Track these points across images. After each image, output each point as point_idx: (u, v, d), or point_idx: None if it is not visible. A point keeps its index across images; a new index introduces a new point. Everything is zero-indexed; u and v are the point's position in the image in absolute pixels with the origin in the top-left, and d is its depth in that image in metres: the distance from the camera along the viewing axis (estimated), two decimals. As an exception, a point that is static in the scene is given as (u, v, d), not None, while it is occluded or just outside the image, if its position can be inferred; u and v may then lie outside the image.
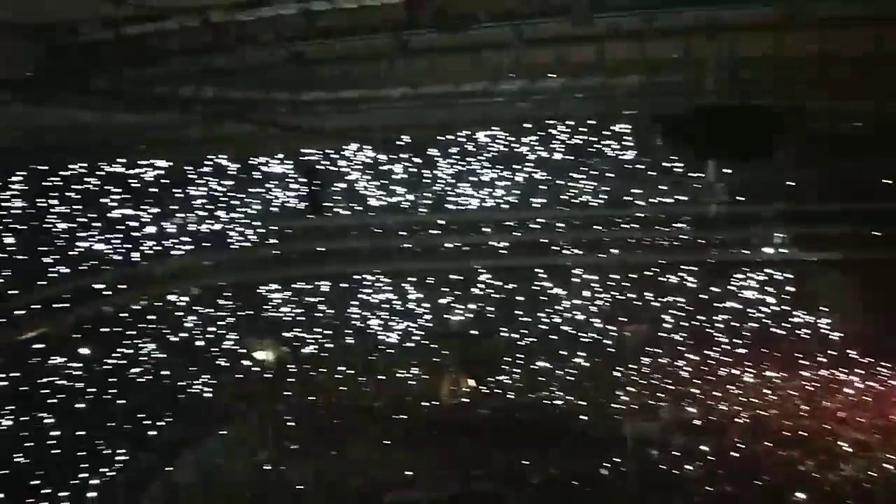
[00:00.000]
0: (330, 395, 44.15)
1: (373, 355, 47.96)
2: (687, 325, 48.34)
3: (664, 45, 20.96)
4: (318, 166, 57.16)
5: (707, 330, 48.35)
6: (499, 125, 51.78)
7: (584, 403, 42.25)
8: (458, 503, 32.92)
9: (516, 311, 49.19)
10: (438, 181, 55.29)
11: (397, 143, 54.79)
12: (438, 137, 54.33)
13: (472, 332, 48.88)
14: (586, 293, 49.55)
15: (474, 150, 54.72)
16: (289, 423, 40.95)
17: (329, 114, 31.78)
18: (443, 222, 53.14)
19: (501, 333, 48.33)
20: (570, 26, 17.63)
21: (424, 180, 55.29)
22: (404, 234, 53.71)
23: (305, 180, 56.97)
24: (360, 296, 52.19)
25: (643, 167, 49.76)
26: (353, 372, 45.89)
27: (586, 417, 40.97)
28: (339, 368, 46.19)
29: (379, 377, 45.63)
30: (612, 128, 49.41)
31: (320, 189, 56.72)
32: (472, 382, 45.06)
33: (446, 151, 55.41)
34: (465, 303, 50.72)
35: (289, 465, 37.28)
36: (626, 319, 47.41)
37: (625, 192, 50.05)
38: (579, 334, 48.04)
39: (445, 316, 50.49)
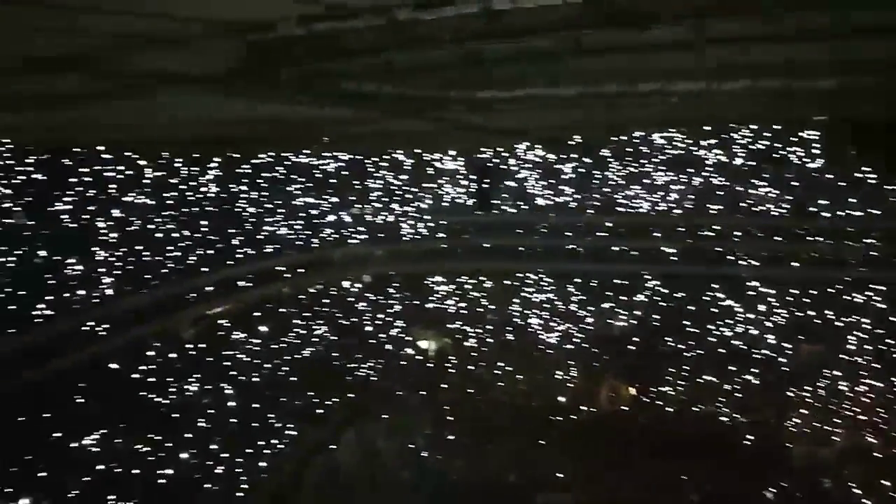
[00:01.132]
0: (487, 391, 44.55)
1: (532, 354, 47.80)
2: (871, 348, 44.71)
3: (860, 46, 19.47)
4: (488, 164, 58.13)
5: (894, 355, 44.49)
6: (676, 126, 50.33)
7: (752, 423, 40.13)
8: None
9: (684, 322, 47.37)
10: (609, 183, 54.43)
11: (568, 142, 54.47)
12: (611, 138, 53.49)
13: (634, 339, 47.61)
14: (762, 307, 46.90)
15: (648, 151, 53.42)
16: (447, 415, 41.70)
17: (502, 113, 32.00)
18: (610, 224, 52.20)
19: (667, 343, 46.70)
20: (760, 24, 16.78)
21: (594, 181, 54.68)
22: (570, 234, 53.30)
23: (476, 177, 58.32)
24: (522, 294, 52.26)
25: (832, 177, 46.53)
26: (511, 369, 46.02)
27: (753, 437, 38.90)
28: (497, 364, 46.47)
29: (537, 377, 45.45)
30: (799, 133, 46.60)
31: (490, 186, 57.78)
32: (631, 391, 43.97)
33: (619, 152, 54.46)
34: (629, 309, 49.49)
35: (444, 454, 37.99)
36: (803, 338, 44.40)
37: (810, 203, 47.02)
38: (751, 350, 45.51)
39: (608, 321, 49.52)
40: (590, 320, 50.06)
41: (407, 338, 49.38)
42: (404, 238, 55.19)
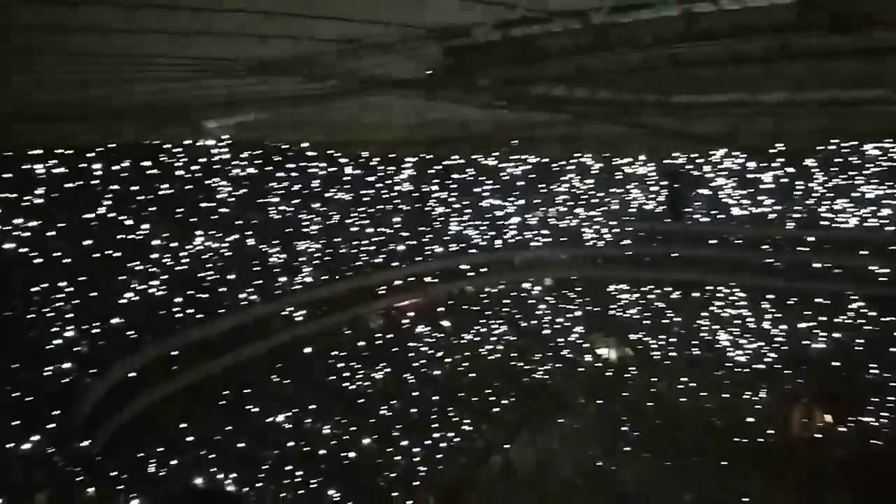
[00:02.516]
0: (668, 405, 43.11)
1: (718, 371, 45.71)
2: None
3: None
4: (681, 170, 56.33)
5: None
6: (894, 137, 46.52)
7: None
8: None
9: (892, 348, 43.40)
10: (812, 194, 51.09)
11: (770, 150, 51.64)
12: (818, 147, 50.17)
13: (833, 363, 44.21)
14: None
15: (858, 163, 49.59)
16: (623, 425, 40.82)
17: (699, 117, 30.99)
18: (813, 239, 48.97)
19: (871, 370, 43.00)
20: None
21: (796, 192, 51.50)
22: (767, 248, 50.51)
23: (667, 184, 56.70)
24: (711, 308, 50.19)
25: None
26: (695, 385, 44.23)
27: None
28: (681, 379, 44.86)
29: (723, 395, 43.35)
30: None
31: (681, 193, 55.96)
32: (828, 418, 40.83)
33: (825, 163, 51.01)
34: (829, 330, 46.07)
35: (620, 465, 37.23)
36: None
37: None
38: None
39: (805, 342, 46.37)
40: (784, 340, 47.18)
41: (586, 344, 48.89)
42: (588, 243, 54.82)
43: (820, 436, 40.08)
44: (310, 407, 35.85)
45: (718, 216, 53.84)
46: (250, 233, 41.71)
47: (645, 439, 39.33)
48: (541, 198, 56.26)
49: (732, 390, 43.67)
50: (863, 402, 40.90)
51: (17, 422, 21.82)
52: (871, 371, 42.84)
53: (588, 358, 47.98)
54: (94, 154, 36.13)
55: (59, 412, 23.94)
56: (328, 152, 48.40)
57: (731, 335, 48.42)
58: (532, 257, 53.88)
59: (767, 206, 52.03)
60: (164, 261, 36.62)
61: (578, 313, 51.16)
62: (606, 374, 46.67)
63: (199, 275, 37.28)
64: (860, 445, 38.70)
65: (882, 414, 40.23)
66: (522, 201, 55.61)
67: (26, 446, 19.98)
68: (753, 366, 46.10)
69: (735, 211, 53.27)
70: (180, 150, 40.59)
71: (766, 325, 48.19)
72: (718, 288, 50.71)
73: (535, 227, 54.85)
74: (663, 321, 50.19)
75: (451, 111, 40.07)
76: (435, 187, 54.05)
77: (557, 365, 46.40)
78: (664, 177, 56.40)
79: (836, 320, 46.41)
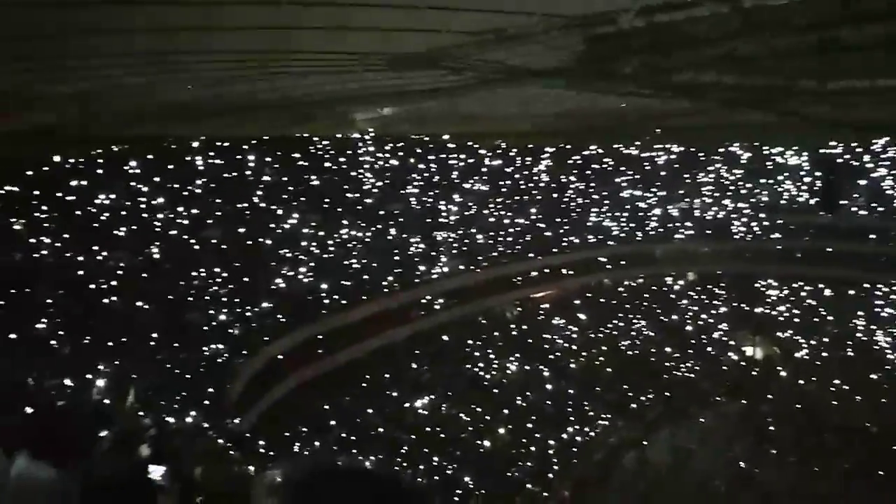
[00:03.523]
0: (818, 408, 40.80)
1: (875, 375, 42.80)
2: None
3: None
4: (837, 161, 52.90)
5: None
6: None
7: None
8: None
9: None
10: None
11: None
12: None
13: None
14: None
15: None
16: (769, 427, 39.07)
17: (857, 105, 28.99)
18: None
19: None
20: None
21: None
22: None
23: (821, 174, 53.44)
24: (868, 307, 47.04)
25: None
26: (847, 388, 41.61)
27: None
28: (833, 381, 42.35)
29: (881, 400, 40.54)
30: None
31: (837, 185, 52.60)
32: None
33: None
34: None
35: (764, 468, 35.66)
36: None
37: None
38: None
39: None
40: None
41: (731, 342, 47.00)
42: (735, 236, 52.58)
43: None
44: (447, 394, 36.48)
45: (878, 209, 50.36)
46: (392, 223, 42.82)
47: (791, 442, 37.49)
48: (685, 188, 54.50)
49: (891, 395, 40.79)
50: None
51: (177, 398, 23.43)
52: None
53: (733, 356, 46.14)
54: (247, 147, 38.12)
55: (213, 390, 25.54)
56: (467, 144, 48.85)
57: (891, 336, 45.27)
58: (675, 250, 52.32)
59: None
60: (311, 249, 38.25)
61: (723, 309, 49.27)
62: (752, 373, 44.74)
63: (343, 262, 38.66)
64: None
65: None
66: (665, 192, 54.05)
67: (187, 420, 21.45)
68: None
69: (899, 203, 49.73)
70: (327, 142, 42.17)
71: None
72: (877, 285, 47.42)
73: (679, 219, 53.21)
74: (815, 319, 47.54)
75: (591, 101, 39.45)
76: (573, 178, 53.48)
77: (699, 362, 44.92)
78: (818, 167, 53.24)
79: None
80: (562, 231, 49.84)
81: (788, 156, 53.66)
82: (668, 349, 45.31)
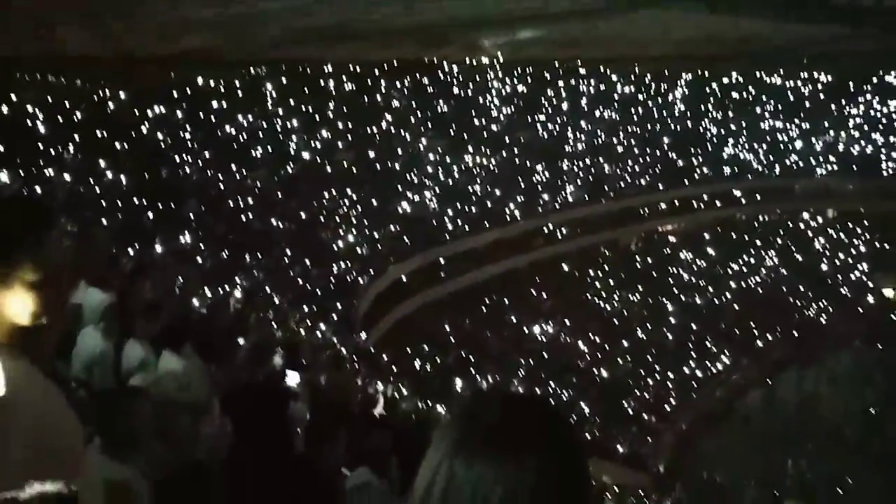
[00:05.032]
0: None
1: None
2: None
3: None
4: None
5: None
6: None
7: None
8: None
9: None
10: None
11: None
12: None
13: None
14: None
15: None
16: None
17: None
18: None
19: None
20: None
21: None
22: None
23: None
24: None
25: None
26: None
27: None
28: None
29: None
30: None
31: None
32: None
33: None
34: None
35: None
36: None
37: None
38: None
39: None
40: None
41: (869, 283, 44.57)
42: (884, 173, 49.11)
43: None
44: (566, 322, 36.74)
45: None
46: (518, 150, 42.65)
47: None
48: (831, 121, 51.22)
49: None
50: None
51: (308, 312, 24.76)
52: None
53: (870, 298, 43.81)
54: (378, 72, 38.67)
55: (340, 307, 26.83)
56: (599, 69, 47.58)
57: None
58: (815, 186, 49.65)
59: None
60: (437, 174, 38.80)
61: (863, 249, 46.62)
62: (890, 316, 42.41)
63: (468, 188, 39.04)
64: None
65: None
66: (808, 124, 51.01)
67: (317, 333, 22.68)
68: None
69: None
70: (457, 67, 42.14)
71: None
72: None
73: (822, 153, 50.26)
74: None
75: (732, 24, 37.52)
76: (711, 107, 51.25)
77: (833, 303, 42.98)
78: None
79: None
80: (695, 162, 48.13)
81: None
82: (800, 288, 43.55)
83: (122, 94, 28.49)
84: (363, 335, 25.95)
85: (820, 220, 48.73)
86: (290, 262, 28.19)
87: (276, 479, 4.71)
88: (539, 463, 1.04)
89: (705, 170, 47.74)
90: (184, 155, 29.31)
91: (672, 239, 45.63)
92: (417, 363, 30.15)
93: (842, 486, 28.61)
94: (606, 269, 41.67)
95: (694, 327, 39.19)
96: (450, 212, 36.74)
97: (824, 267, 45.63)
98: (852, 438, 32.70)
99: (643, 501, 20.94)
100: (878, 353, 39.19)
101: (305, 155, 34.38)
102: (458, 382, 28.98)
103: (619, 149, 46.69)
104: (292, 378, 8.32)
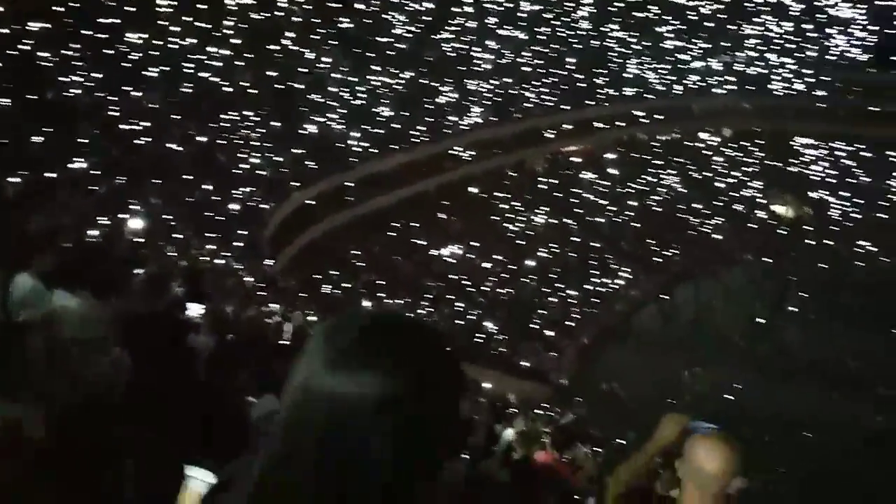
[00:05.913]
0: (843, 268, 41.02)
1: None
2: None
3: None
4: (895, 13, 50.11)
5: None
6: None
7: None
8: None
9: None
10: None
11: None
12: None
13: None
14: None
15: None
16: (792, 286, 39.56)
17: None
18: None
19: None
20: None
21: None
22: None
23: (878, 28, 50.80)
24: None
25: None
26: (876, 250, 41.57)
27: None
28: (859, 242, 42.27)
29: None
30: None
31: (893, 39, 50.13)
32: None
33: None
34: None
35: (783, 325, 36.43)
36: None
37: None
38: None
39: None
40: None
41: (761, 200, 46.70)
42: (776, 93, 50.92)
43: None
44: (473, 244, 37.21)
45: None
46: (424, 70, 42.04)
47: (813, 301, 38.06)
48: (729, 41, 52.42)
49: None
50: None
51: (210, 239, 24.21)
52: None
53: (761, 215, 45.99)
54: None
55: (244, 233, 26.32)
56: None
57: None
58: (713, 105, 51.08)
59: None
60: (342, 95, 37.92)
61: (757, 167, 48.63)
62: (779, 231, 44.72)
63: (373, 110, 38.40)
64: None
65: None
66: (709, 45, 52.05)
67: (219, 261, 22.22)
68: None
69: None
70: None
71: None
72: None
73: (720, 73, 51.56)
74: (849, 180, 46.81)
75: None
76: (615, 26, 51.54)
77: (728, 219, 44.94)
78: (875, 20, 50.67)
79: None
80: (598, 82, 48.62)
81: (843, 7, 51.07)
82: (697, 206, 45.25)
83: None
84: (269, 262, 25.63)
85: (717, 139, 50.36)
86: (190, 187, 27.32)
87: (179, 412, 4.65)
88: (401, 373, 1.08)
89: (608, 90, 48.35)
90: (72, 75, 27.62)
91: (576, 160, 46.38)
92: (326, 289, 30.07)
93: (730, 392, 30.51)
94: (513, 190, 42.16)
95: (596, 245, 40.37)
96: (355, 133, 36.19)
97: (720, 185, 47.44)
98: (741, 346, 34.73)
99: (547, 414, 21.75)
100: (768, 266, 41.46)
101: (203, 75, 32.97)
102: (368, 307, 29.13)
103: (525, 69, 46.64)
104: (194, 308, 8.16)
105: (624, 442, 18.34)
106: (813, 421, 28.93)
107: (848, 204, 45.46)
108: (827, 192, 46.57)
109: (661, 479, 4.50)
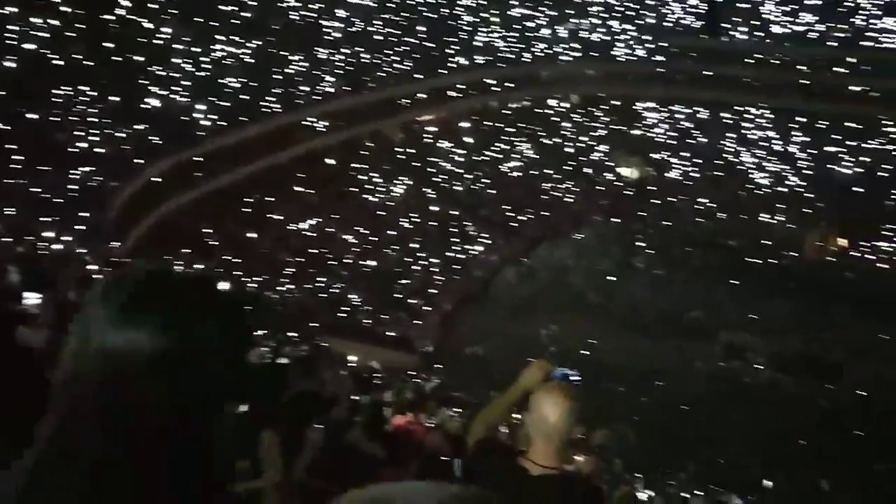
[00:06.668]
0: (685, 225, 43.59)
1: (740, 192, 45.67)
2: None
3: None
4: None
5: None
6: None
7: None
8: (796, 361, 31.33)
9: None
10: (859, 12, 48.50)
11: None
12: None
13: (855, 188, 43.84)
14: None
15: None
16: (638, 241, 41.66)
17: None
18: (853, 60, 46.93)
19: (891, 196, 42.70)
20: None
21: (841, 9, 48.81)
22: (805, 68, 48.67)
23: (707, -3, 53.69)
24: (738, 129, 49.26)
25: None
26: (714, 206, 44.43)
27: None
28: (700, 199, 45.02)
29: (741, 217, 43.61)
30: None
31: (720, 7, 53.18)
32: (843, 242, 41.13)
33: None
34: (856, 155, 45.32)
35: (632, 280, 38.37)
36: None
37: None
38: None
39: (829, 166, 45.74)
40: (809, 163, 46.64)
41: (608, 163, 48.68)
42: (619, 59, 52.94)
43: (833, 259, 40.62)
44: (332, 216, 36.77)
45: (758, 34, 51.60)
46: (272, 39, 40.77)
47: (658, 257, 40.23)
48: (573, 8, 53.86)
49: (751, 212, 43.90)
50: (879, 227, 41.15)
51: (49, 222, 22.66)
52: (891, 197, 42.71)
53: (609, 177, 47.95)
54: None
55: (87, 215, 24.80)
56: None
57: (755, 157, 47.95)
58: (560, 72, 52.46)
59: (810, 24, 49.67)
60: (185, 66, 36.21)
61: (604, 132, 50.53)
62: (626, 192, 46.82)
63: (220, 81, 36.95)
64: (870, 269, 39.40)
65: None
66: (555, 12, 53.25)
67: (57, 246, 20.85)
68: (776, 188, 46.01)
69: (776, 29, 50.98)
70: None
71: (792, 147, 47.50)
72: (748, 109, 49.47)
73: (566, 41, 52.97)
74: (688, 141, 49.55)
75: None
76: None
77: (578, 183, 46.56)
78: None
79: (865, 145, 45.56)
80: (450, 51, 48.84)
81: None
82: (549, 171, 46.58)
83: None
84: (116, 244, 24.33)
85: (566, 105, 51.81)
86: (23, 168, 25.41)
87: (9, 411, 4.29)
88: (175, 328, 1.07)
89: (460, 59, 48.65)
90: None
91: (432, 128, 46.56)
92: (179, 270, 28.83)
93: (587, 348, 31.88)
94: (370, 160, 41.86)
95: (455, 213, 40.88)
96: (201, 107, 34.72)
97: (569, 150, 48.97)
98: (595, 303, 36.31)
99: (414, 381, 21.96)
100: (617, 226, 43.41)
101: (29, 46, 30.55)
102: (225, 286, 28.22)
103: (377, 38, 46.15)
104: (30, 298, 7.68)
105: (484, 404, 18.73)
106: (663, 369, 30.83)
107: (688, 164, 48.11)
108: (668, 154, 48.99)
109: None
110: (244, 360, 1.21)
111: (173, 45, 36.26)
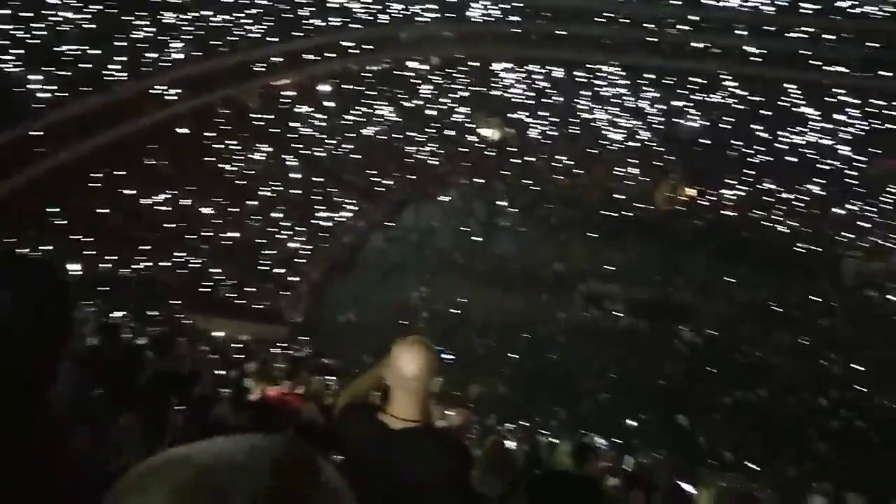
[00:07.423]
0: (545, 182, 44.83)
1: (594, 149, 47.36)
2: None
3: None
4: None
5: None
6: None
7: (808, 232, 39.74)
8: (652, 307, 33.03)
9: (754, 126, 45.64)
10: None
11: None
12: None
13: (701, 140, 46.40)
14: (840, 117, 44.68)
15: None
16: (501, 202, 42.48)
17: None
18: (695, 18, 49.10)
19: (735, 147, 45.42)
20: None
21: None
22: (650, 26, 50.48)
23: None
24: (592, 87, 50.79)
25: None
26: (571, 162, 45.90)
27: (806, 247, 38.63)
28: (557, 157, 46.36)
29: (596, 171, 45.34)
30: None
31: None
32: (691, 192, 43.60)
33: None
34: (701, 109, 47.84)
35: (495, 240, 39.11)
36: (880, 151, 42.18)
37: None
38: (820, 160, 43.92)
39: (676, 120, 48.09)
40: (659, 118, 48.81)
41: (469, 124, 49.15)
42: (475, 19, 53.16)
43: (683, 209, 42.98)
44: (188, 188, 35.27)
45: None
46: (112, 3, 38.19)
47: (521, 215, 41.24)
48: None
49: (605, 167, 45.67)
50: (723, 177, 43.81)
51: None
52: (734, 148, 45.41)
53: (471, 138, 48.46)
54: None
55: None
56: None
57: (608, 114, 49.64)
58: (418, 34, 52.17)
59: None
60: (14, 34, 33.40)
61: (464, 93, 50.87)
62: (487, 153, 47.51)
63: (55, 49, 34.36)
64: (717, 217, 42.05)
65: (740, 187, 43.34)
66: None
67: None
68: (628, 143, 47.92)
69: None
70: None
71: (642, 103, 49.47)
72: (600, 67, 50.95)
73: (422, 1, 52.62)
74: (544, 100, 50.66)
75: None
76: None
77: (440, 145, 46.81)
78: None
79: (708, 99, 48.07)
80: (304, 13, 47.44)
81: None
82: (411, 133, 46.53)
83: None
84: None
85: (426, 67, 51.71)
86: None
87: None
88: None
89: (315, 21, 47.38)
90: None
91: (290, 93, 45.36)
92: (24, 252, 26.87)
93: (457, 307, 32.39)
94: (226, 128, 40.34)
95: (319, 180, 40.16)
96: (36, 77, 32.21)
97: (431, 112, 49.05)
98: (462, 263, 36.85)
99: (285, 353, 21.59)
100: (479, 186, 44.07)
101: None
102: (76, 267, 26.56)
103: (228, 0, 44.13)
104: None
105: (359, 370, 18.70)
106: (530, 322, 31.79)
107: (545, 122, 49.27)
108: (526, 114, 49.96)
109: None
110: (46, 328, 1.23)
111: (1, 11, 33.34)
